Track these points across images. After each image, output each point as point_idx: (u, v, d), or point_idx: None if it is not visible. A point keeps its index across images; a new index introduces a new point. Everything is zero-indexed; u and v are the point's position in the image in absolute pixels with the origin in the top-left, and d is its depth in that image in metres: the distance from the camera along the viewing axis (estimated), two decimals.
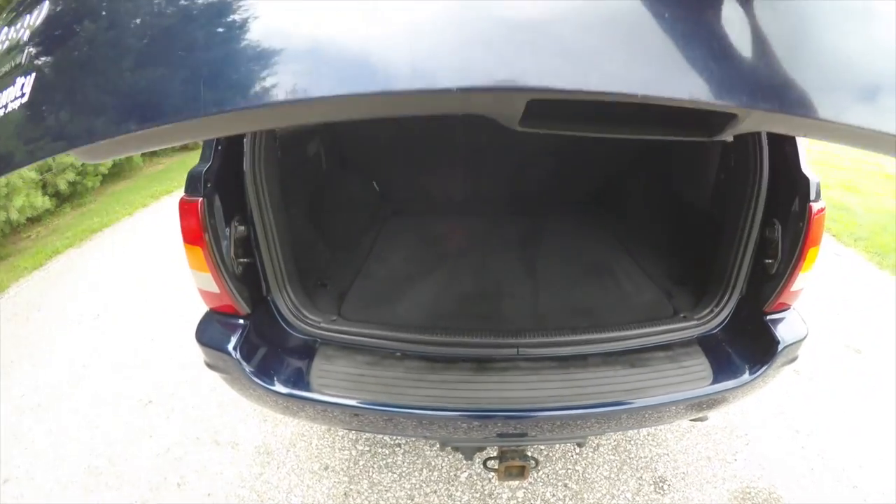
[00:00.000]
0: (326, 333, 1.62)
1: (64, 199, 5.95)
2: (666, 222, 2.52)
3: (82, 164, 5.94)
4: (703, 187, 2.20)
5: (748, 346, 1.60)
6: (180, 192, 1.50)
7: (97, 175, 6.34)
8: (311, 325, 1.64)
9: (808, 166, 1.48)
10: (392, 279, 2.07)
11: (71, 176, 5.78)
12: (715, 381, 1.51)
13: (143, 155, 7.64)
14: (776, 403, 2.47)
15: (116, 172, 7.13)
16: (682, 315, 1.72)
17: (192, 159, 1.62)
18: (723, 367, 1.56)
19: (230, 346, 1.54)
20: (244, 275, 1.60)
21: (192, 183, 1.47)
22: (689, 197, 2.38)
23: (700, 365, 1.55)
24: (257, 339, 1.60)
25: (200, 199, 1.45)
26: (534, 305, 1.88)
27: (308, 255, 2.10)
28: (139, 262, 4.24)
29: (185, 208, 1.47)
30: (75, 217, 5.73)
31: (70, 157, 5.81)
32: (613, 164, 3.05)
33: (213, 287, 1.55)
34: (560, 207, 3.01)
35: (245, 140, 1.56)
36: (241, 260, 1.58)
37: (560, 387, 1.47)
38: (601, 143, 2.89)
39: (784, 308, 1.63)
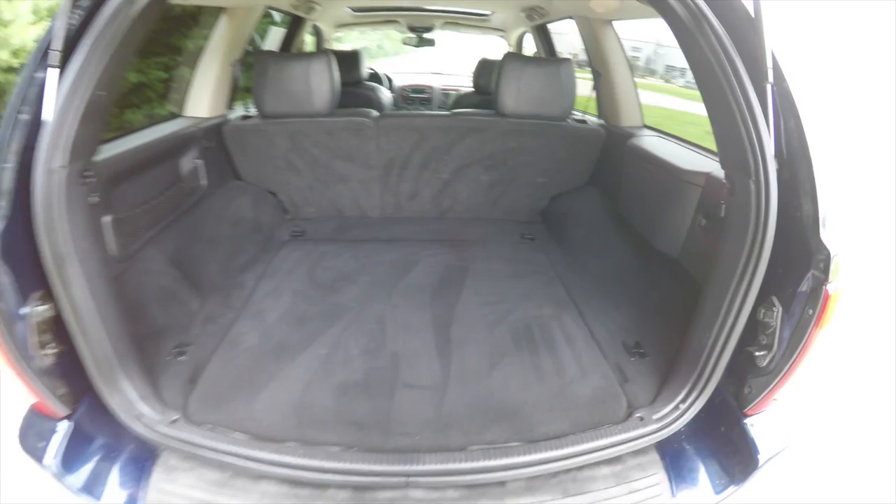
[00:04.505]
0: (165, 440, 1.23)
1: None
2: (623, 265, 2.13)
3: None
4: (673, 231, 1.81)
5: (718, 454, 1.28)
6: None
7: None
8: (147, 427, 1.23)
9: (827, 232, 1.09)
10: (261, 350, 1.61)
11: None
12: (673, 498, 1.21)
13: None
14: None
15: None
16: (637, 415, 1.33)
17: None
18: (683, 480, 1.25)
19: (46, 457, 1.21)
20: (57, 366, 1.18)
21: None
22: (654, 240, 1.99)
23: (656, 485, 1.22)
24: (82, 444, 1.24)
25: None
26: (438, 403, 1.42)
27: (167, 309, 1.69)
28: None
29: None
30: None
31: None
32: (560, 179, 2.63)
33: (20, 384, 1.15)
34: (493, 235, 2.57)
35: (34, 187, 1.09)
36: (50, 349, 1.15)
37: None
38: (542, 150, 2.47)
39: (768, 404, 1.29)
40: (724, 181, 1.32)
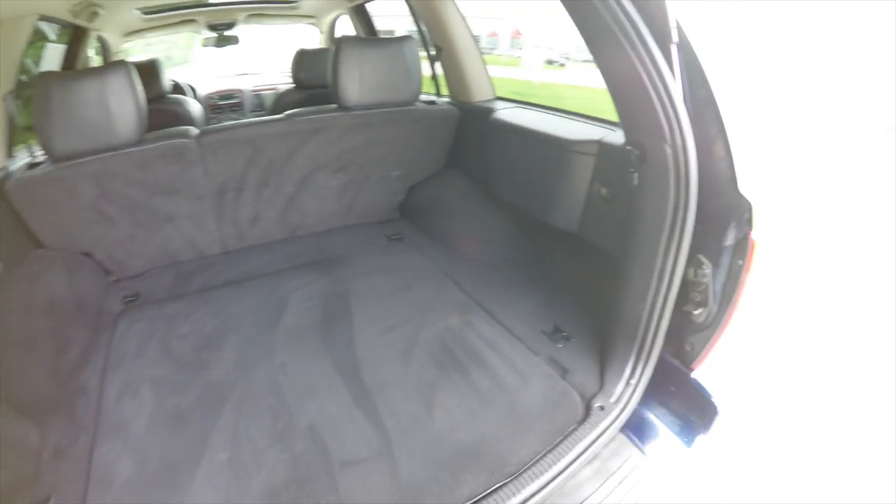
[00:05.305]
0: None
1: None
2: (513, 248, 2.08)
3: None
4: (567, 205, 1.80)
5: (676, 412, 1.31)
6: None
7: None
8: None
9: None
10: (145, 479, 1.17)
11: None
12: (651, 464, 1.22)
13: None
14: None
15: None
16: (597, 405, 1.30)
17: None
18: (653, 446, 1.26)
19: None
20: None
21: None
22: (546, 216, 1.93)
23: (637, 466, 1.21)
24: None
25: None
26: (392, 473, 1.17)
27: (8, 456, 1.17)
28: None
29: None
30: None
31: None
32: (416, 168, 2.47)
33: None
34: (357, 244, 2.33)
35: None
36: None
37: None
38: (394, 141, 2.28)
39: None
40: (627, 148, 1.30)
